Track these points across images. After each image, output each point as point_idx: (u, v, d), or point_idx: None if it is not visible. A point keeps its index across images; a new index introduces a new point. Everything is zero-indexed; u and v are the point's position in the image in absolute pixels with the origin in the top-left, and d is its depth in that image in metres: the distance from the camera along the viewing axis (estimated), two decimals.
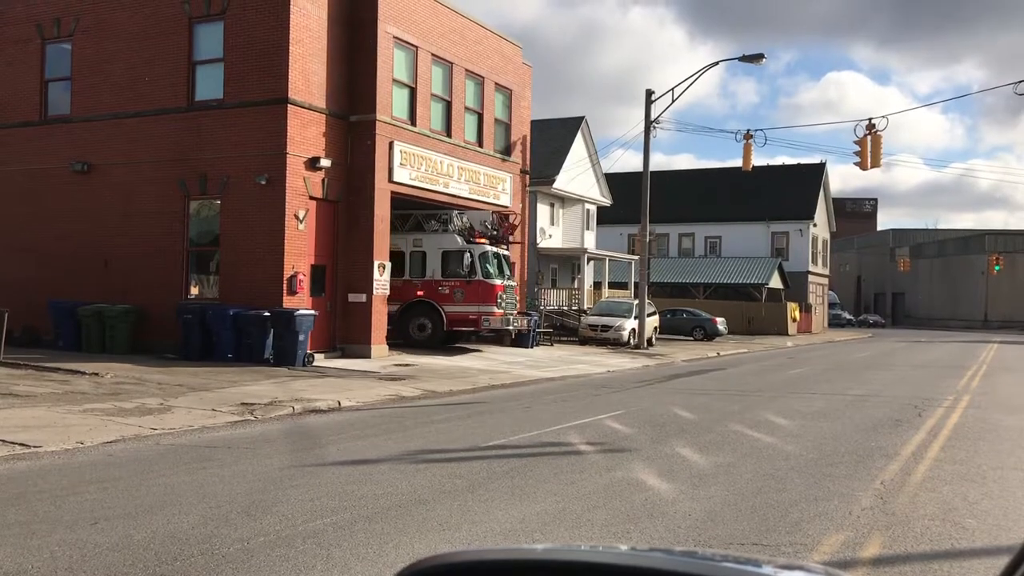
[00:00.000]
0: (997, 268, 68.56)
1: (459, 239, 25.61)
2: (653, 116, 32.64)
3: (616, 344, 32.68)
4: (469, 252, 25.47)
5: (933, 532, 7.10)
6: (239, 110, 21.43)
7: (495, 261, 26.07)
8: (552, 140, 40.31)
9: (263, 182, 20.87)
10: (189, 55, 22.31)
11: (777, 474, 9.34)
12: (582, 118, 43.30)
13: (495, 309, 25.51)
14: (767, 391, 18.67)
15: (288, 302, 20.69)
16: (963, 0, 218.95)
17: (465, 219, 26.46)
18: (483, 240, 26.18)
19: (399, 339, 25.29)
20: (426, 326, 25.48)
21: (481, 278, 25.33)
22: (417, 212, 26.36)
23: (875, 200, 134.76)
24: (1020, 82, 22.12)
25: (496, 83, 28.27)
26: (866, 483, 8.95)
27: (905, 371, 25.95)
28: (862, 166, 26.27)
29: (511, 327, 26.11)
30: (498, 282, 25.77)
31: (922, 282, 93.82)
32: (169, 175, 22.12)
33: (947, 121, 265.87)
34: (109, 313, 21.58)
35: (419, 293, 25.52)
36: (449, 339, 26.03)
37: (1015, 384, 22.20)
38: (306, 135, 21.53)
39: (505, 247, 27.29)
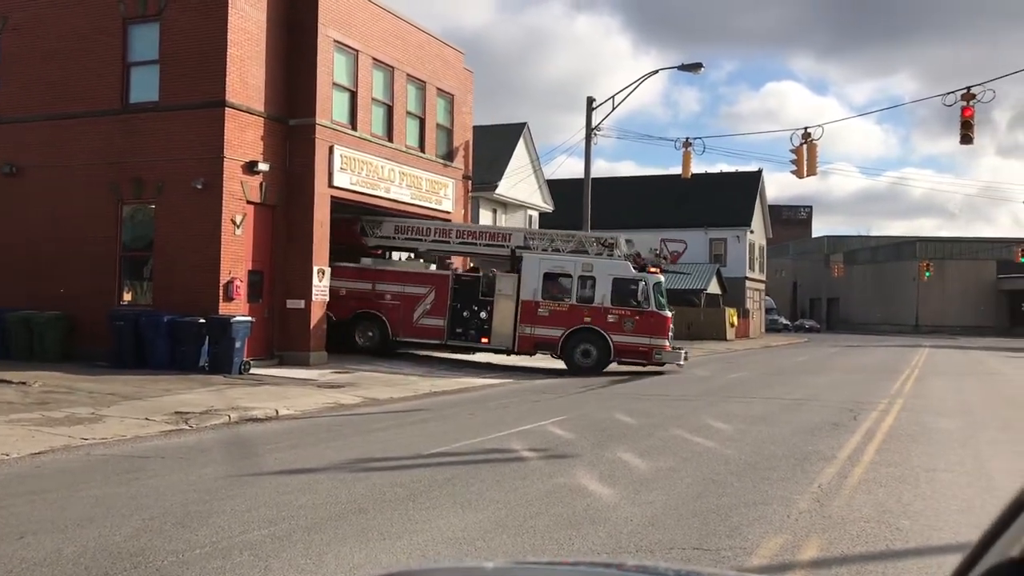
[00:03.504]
0: (928, 274, 70.50)
1: (632, 267, 24.60)
2: (594, 123, 32.86)
3: None
4: (644, 281, 24.27)
5: (869, 534, 7.22)
6: (175, 113, 21.02)
7: (664, 292, 25.30)
8: (494, 146, 40.34)
9: (199, 186, 20.49)
10: (124, 56, 21.83)
11: (717, 478, 9.43)
12: (524, 124, 43.44)
13: (666, 342, 24.64)
14: (707, 396, 18.87)
15: (224, 308, 20.32)
16: (899, 14, 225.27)
17: (626, 245, 25.55)
18: (654, 269, 25.20)
19: (562, 364, 24.84)
20: (590, 352, 24.45)
21: (655, 309, 24.31)
22: (580, 234, 25.78)
23: (810, 207, 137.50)
24: (949, 94, 22.75)
25: (438, 88, 28.20)
26: (804, 486, 9.08)
27: (840, 375, 26.46)
28: (798, 174, 26.77)
29: (681, 362, 25.25)
30: (669, 314, 24.99)
31: (856, 288, 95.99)
32: (102, 178, 21.58)
33: (882, 131, 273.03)
34: (37, 320, 20.96)
35: (586, 319, 24.39)
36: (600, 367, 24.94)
37: (945, 388, 22.78)
38: (244, 139, 21.21)
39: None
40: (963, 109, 22.38)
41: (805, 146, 26.37)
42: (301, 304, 22.47)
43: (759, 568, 6.21)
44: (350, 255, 25.88)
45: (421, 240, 26.39)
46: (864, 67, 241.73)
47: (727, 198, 63.51)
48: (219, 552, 6.25)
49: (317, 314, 22.74)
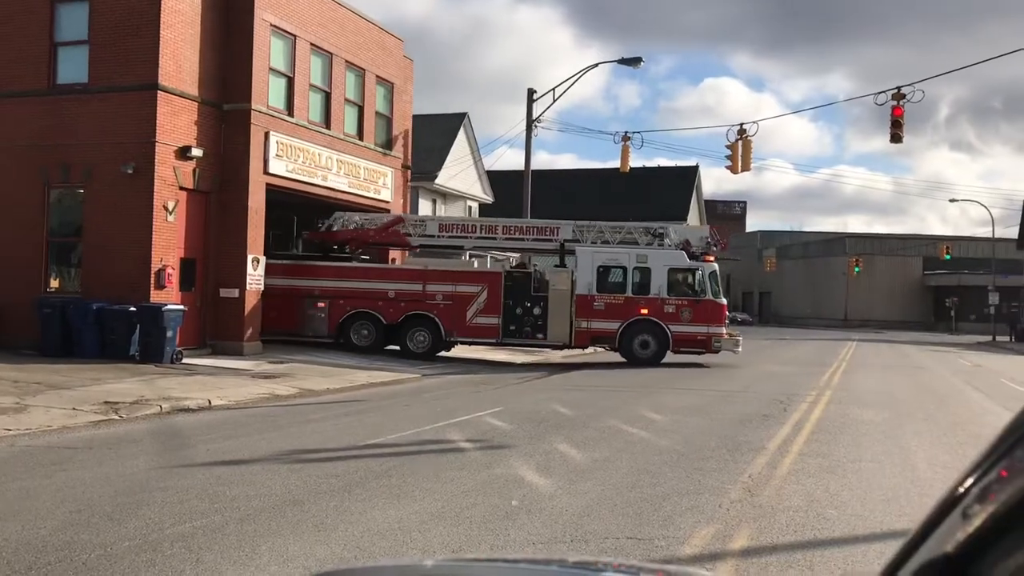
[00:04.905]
0: (857, 270, 72.28)
1: (686, 256, 24.53)
2: (535, 115, 32.92)
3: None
4: (700, 270, 24.35)
5: (797, 523, 7.39)
6: (105, 95, 20.49)
7: (719, 279, 25.23)
8: (435, 136, 40.18)
9: (130, 171, 20.02)
10: (51, 35, 21.19)
11: (651, 468, 9.55)
12: (464, 114, 43.37)
13: (723, 330, 24.80)
14: (642, 387, 19.08)
15: (156, 297, 19.91)
16: (834, 14, 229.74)
17: (676, 234, 25.49)
18: (710, 258, 25.09)
19: (620, 356, 24.81)
20: (649, 343, 24.46)
21: (711, 297, 24.39)
22: (628, 224, 25.65)
23: (744, 203, 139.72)
24: (880, 93, 23.31)
25: (377, 76, 27.95)
26: (735, 476, 9.24)
27: (771, 368, 26.97)
28: (733, 170, 27.17)
29: (738, 349, 25.38)
30: (724, 302, 24.97)
31: (787, 282, 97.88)
32: (28, 162, 20.93)
33: (816, 129, 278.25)
34: None
35: (643, 311, 24.35)
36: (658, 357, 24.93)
37: (871, 380, 23.39)
38: (177, 123, 20.77)
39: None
40: (893, 108, 22.94)
41: (740, 142, 26.77)
42: (235, 293, 22.11)
43: (691, 557, 6.31)
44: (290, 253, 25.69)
45: (467, 237, 26.21)
46: (800, 65, 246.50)
47: (664, 192, 64.25)
48: (149, 545, 6.13)
49: (251, 303, 22.40)
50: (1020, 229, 64.78)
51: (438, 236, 26.32)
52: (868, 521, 7.62)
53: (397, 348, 24.77)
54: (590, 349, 26.22)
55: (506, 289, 24.81)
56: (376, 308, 24.71)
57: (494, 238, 26.26)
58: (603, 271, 24.73)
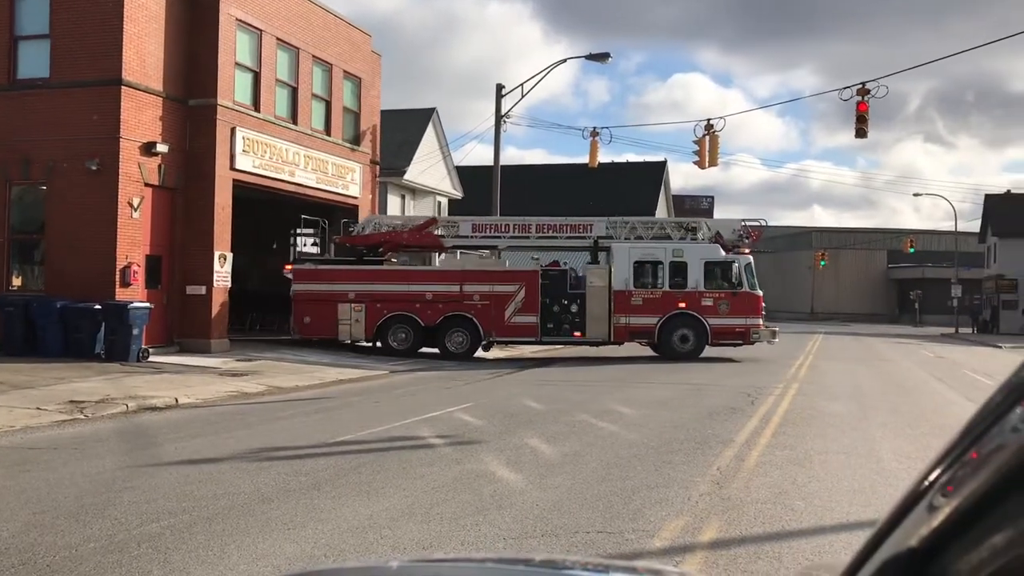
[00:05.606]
0: (823, 263, 73.04)
1: (722, 249, 24.64)
2: (504, 111, 32.88)
3: None
4: (736, 262, 24.59)
5: (765, 515, 7.45)
6: (67, 90, 20.21)
7: (754, 271, 25.33)
8: (403, 131, 39.96)
9: (94, 167, 19.76)
10: (10, 29, 20.84)
11: (620, 462, 9.59)
12: (433, 109, 43.14)
13: (760, 321, 24.93)
14: (612, 381, 19.16)
15: (121, 294, 19.69)
16: (802, 10, 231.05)
17: (708, 228, 25.64)
18: (745, 250, 25.24)
19: (657, 351, 24.86)
20: (688, 337, 24.61)
21: (748, 290, 24.66)
22: (660, 219, 25.67)
23: (712, 197, 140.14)
24: (845, 88, 23.53)
25: (345, 71, 27.79)
26: (703, 469, 9.31)
27: (739, 361, 27.16)
28: (700, 165, 27.31)
29: (775, 340, 25.48)
30: (761, 293, 25.10)
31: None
32: None
33: (783, 124, 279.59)
34: None
35: (680, 305, 24.48)
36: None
37: (838, 373, 23.63)
38: (141, 119, 20.53)
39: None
40: (858, 104, 23.16)
41: (708, 137, 26.91)
42: (202, 290, 21.91)
43: (661, 550, 6.35)
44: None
45: (500, 237, 26.18)
46: (767, 61, 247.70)
47: (632, 188, 64.37)
48: (115, 546, 6.06)
49: (219, 300, 22.20)
50: (982, 223, 65.82)
51: (471, 236, 26.29)
52: (835, 512, 7.70)
53: (436, 351, 24.58)
54: (620, 344, 26.27)
55: (543, 287, 24.81)
56: (413, 310, 24.54)
57: (527, 237, 26.25)
58: (639, 266, 24.92)
